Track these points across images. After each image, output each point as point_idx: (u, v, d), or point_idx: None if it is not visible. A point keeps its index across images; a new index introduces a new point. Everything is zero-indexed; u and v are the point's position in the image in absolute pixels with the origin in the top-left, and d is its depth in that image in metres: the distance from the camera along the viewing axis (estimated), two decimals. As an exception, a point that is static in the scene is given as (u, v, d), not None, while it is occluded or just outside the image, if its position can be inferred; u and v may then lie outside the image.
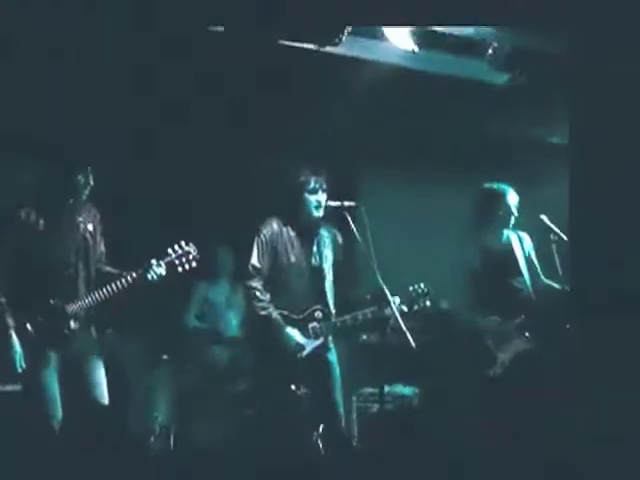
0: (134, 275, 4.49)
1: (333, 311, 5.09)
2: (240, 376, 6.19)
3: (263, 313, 4.94)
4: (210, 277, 7.02)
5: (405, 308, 4.94)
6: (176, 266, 4.61)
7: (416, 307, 5.04)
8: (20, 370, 4.32)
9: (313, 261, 5.11)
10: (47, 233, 4.45)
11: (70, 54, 5.15)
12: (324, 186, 5.00)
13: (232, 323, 6.99)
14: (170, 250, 4.62)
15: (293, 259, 5.07)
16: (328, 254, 5.15)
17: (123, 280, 4.47)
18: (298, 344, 4.92)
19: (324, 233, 5.17)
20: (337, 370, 5.10)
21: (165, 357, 6.42)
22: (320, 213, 5.03)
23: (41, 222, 4.45)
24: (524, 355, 5.20)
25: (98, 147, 4.59)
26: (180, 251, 4.63)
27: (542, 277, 5.53)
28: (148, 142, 6.37)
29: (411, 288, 5.07)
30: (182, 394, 6.32)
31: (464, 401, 5.45)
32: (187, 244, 4.66)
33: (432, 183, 7.03)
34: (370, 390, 6.24)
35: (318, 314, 5.04)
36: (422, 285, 5.08)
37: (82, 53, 5.14)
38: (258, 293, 4.96)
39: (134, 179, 6.56)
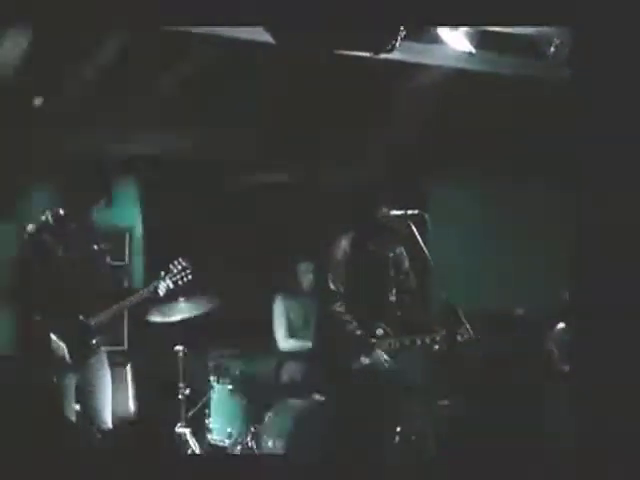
0: (147, 290, 4.98)
1: (393, 330, 5.11)
2: (313, 390, 6.12)
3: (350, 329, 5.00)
4: (290, 293, 6.80)
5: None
6: (177, 280, 5.06)
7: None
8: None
9: (379, 280, 5.16)
10: (66, 255, 4.78)
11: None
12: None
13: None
14: (172, 266, 5.05)
15: (360, 278, 5.11)
16: (390, 273, 5.18)
17: (138, 295, 4.95)
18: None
19: (389, 254, 5.20)
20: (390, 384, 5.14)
21: (238, 372, 6.39)
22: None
23: (61, 246, 4.77)
24: None
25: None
26: (180, 267, 5.06)
27: None
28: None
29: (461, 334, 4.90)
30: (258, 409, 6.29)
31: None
32: (184, 259, 5.08)
33: (499, 186, 6.86)
34: (446, 402, 6.12)
35: (379, 331, 5.07)
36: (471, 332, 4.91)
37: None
38: (343, 317, 5.03)
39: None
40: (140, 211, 7.29)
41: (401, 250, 5.24)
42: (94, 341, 4.82)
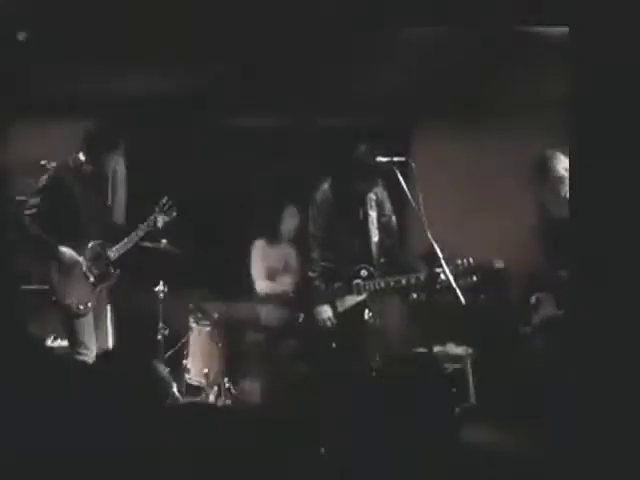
0: (148, 224, 5.24)
1: (377, 271, 5.17)
2: (291, 334, 6.16)
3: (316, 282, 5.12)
4: (271, 238, 6.71)
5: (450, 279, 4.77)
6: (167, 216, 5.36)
7: (461, 282, 4.88)
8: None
9: (361, 221, 5.20)
10: (82, 194, 5.09)
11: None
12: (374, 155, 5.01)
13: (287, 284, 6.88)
14: (157, 205, 5.35)
15: (343, 219, 5.17)
16: (373, 214, 5.21)
17: (142, 228, 5.22)
18: (324, 319, 5.10)
19: (371, 195, 5.22)
20: (373, 328, 5.24)
21: (217, 316, 6.42)
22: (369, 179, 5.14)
23: (78, 185, 5.08)
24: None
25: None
26: (163, 204, 5.35)
27: None
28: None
29: (459, 262, 4.98)
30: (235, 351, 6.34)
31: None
32: (167, 199, 5.36)
33: (485, 138, 6.85)
34: (422, 350, 6.17)
35: (363, 272, 5.14)
36: (471, 260, 5.00)
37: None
38: (315, 264, 5.14)
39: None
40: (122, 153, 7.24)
41: (383, 192, 5.26)
42: (112, 269, 5.15)
